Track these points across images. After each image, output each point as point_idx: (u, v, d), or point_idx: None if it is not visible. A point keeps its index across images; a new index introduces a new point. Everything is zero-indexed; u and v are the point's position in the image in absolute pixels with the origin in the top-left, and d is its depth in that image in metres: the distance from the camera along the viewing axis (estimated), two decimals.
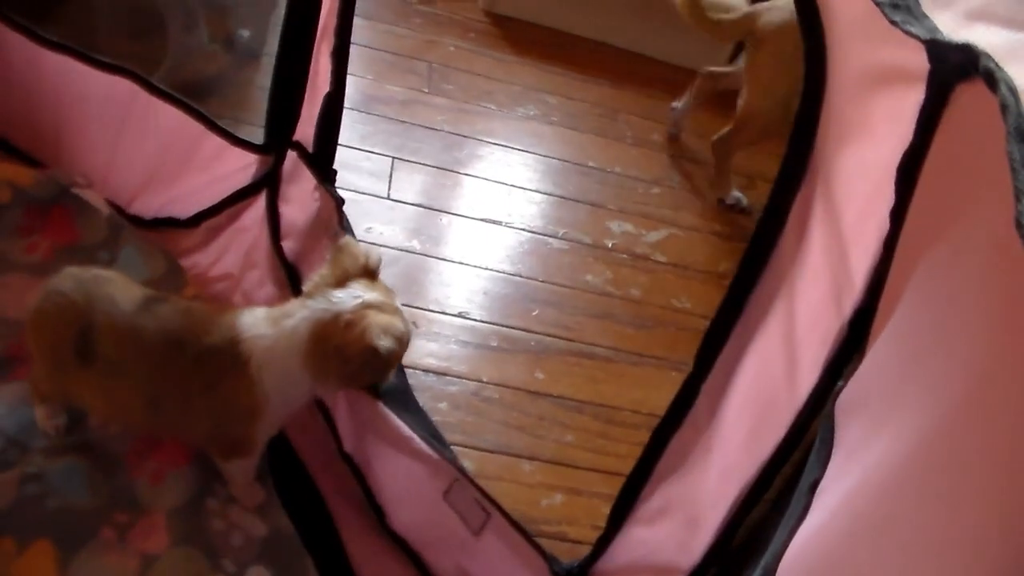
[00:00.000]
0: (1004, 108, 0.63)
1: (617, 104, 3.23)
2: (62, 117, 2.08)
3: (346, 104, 1.84)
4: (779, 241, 1.14)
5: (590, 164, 2.94)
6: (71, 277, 1.56)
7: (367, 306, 1.44)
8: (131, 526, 1.64)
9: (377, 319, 1.41)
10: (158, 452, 1.74)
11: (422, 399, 2.06)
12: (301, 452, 1.87)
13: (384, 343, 1.38)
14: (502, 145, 2.91)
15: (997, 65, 0.67)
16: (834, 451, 0.90)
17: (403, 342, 1.43)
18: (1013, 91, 0.64)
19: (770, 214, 1.14)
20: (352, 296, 1.45)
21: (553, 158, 2.92)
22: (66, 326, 1.53)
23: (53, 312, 1.54)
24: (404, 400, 1.81)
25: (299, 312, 1.48)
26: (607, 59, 3.41)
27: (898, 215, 0.87)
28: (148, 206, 2.08)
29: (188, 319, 1.54)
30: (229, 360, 1.49)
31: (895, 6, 0.80)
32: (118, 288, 1.57)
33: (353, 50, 1.77)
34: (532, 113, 3.07)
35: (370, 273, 1.51)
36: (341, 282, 1.48)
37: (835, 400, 0.95)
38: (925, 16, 0.79)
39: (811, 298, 1.07)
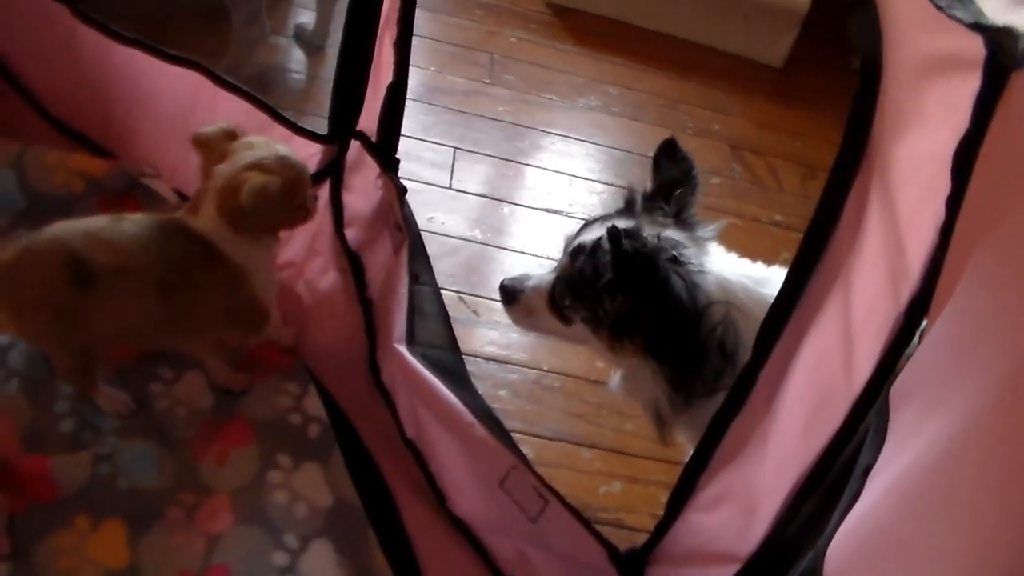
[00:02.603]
0: None
1: (678, 95, 3.22)
2: (132, 109, 2.13)
3: (408, 95, 1.86)
4: (836, 231, 1.14)
5: (650, 155, 2.93)
6: (25, 236, 1.62)
7: (245, 168, 1.63)
8: (197, 506, 1.69)
9: (252, 179, 1.61)
10: (223, 434, 1.80)
11: (483, 387, 2.08)
12: (366, 438, 1.90)
13: (247, 199, 1.60)
14: (563, 135, 2.92)
15: None
16: (888, 437, 0.90)
17: (269, 191, 1.62)
18: None
19: (827, 204, 1.14)
20: (232, 165, 1.64)
21: (614, 148, 2.93)
22: (52, 265, 1.57)
23: (29, 259, 1.58)
24: (463, 384, 1.83)
25: (207, 196, 1.67)
26: (668, 50, 3.40)
27: (954, 203, 0.86)
28: None
29: (161, 222, 1.67)
30: (204, 252, 1.66)
31: None
32: (79, 221, 1.64)
33: (415, 42, 1.79)
34: (593, 104, 3.08)
35: (233, 136, 1.69)
36: (222, 159, 1.66)
37: (890, 387, 0.95)
38: (971, 1, 0.79)
39: (868, 287, 1.07)
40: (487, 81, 3.03)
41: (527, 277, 1.74)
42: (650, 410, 1.66)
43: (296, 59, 2.88)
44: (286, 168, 1.67)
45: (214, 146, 1.67)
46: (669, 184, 1.67)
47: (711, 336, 1.51)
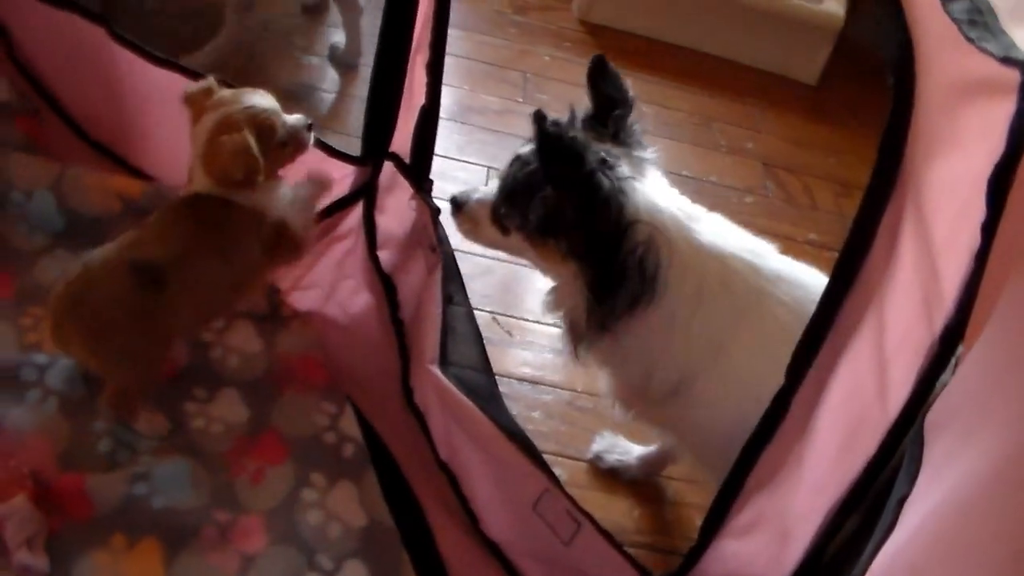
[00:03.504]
0: None
1: (712, 112, 3.21)
2: (168, 130, 2.14)
3: (442, 114, 1.87)
4: (869, 254, 1.13)
5: (684, 173, 2.93)
6: (71, 267, 1.69)
7: (218, 127, 1.69)
8: (232, 526, 1.70)
9: (225, 142, 1.67)
10: (258, 451, 1.81)
11: (516, 408, 2.08)
12: (399, 459, 1.91)
13: (230, 165, 1.66)
14: None
15: None
16: (922, 467, 0.89)
17: (246, 148, 1.66)
18: None
19: (860, 227, 1.13)
20: (203, 128, 1.71)
21: None
22: (119, 280, 1.64)
23: (94, 285, 1.64)
24: (496, 405, 1.83)
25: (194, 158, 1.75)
26: (702, 67, 3.39)
27: (989, 228, 0.85)
28: None
29: (173, 204, 1.77)
30: (221, 205, 1.73)
31: (972, 22, 0.80)
32: (110, 243, 1.70)
33: (449, 60, 1.80)
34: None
35: (211, 92, 1.74)
36: (198, 118, 1.73)
37: (925, 416, 0.94)
38: (1003, 32, 0.78)
39: (901, 312, 1.06)
40: (520, 100, 3.03)
41: (475, 190, 1.80)
42: (568, 321, 1.70)
43: (329, 78, 2.90)
44: (253, 116, 1.70)
45: (196, 103, 1.74)
46: (606, 104, 1.70)
47: (631, 256, 1.55)
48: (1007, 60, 0.76)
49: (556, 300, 1.73)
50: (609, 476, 2.07)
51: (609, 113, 1.68)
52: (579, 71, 3.15)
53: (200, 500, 1.71)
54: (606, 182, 1.53)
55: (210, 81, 1.76)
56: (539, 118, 1.53)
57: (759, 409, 1.53)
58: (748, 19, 3.37)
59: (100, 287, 1.64)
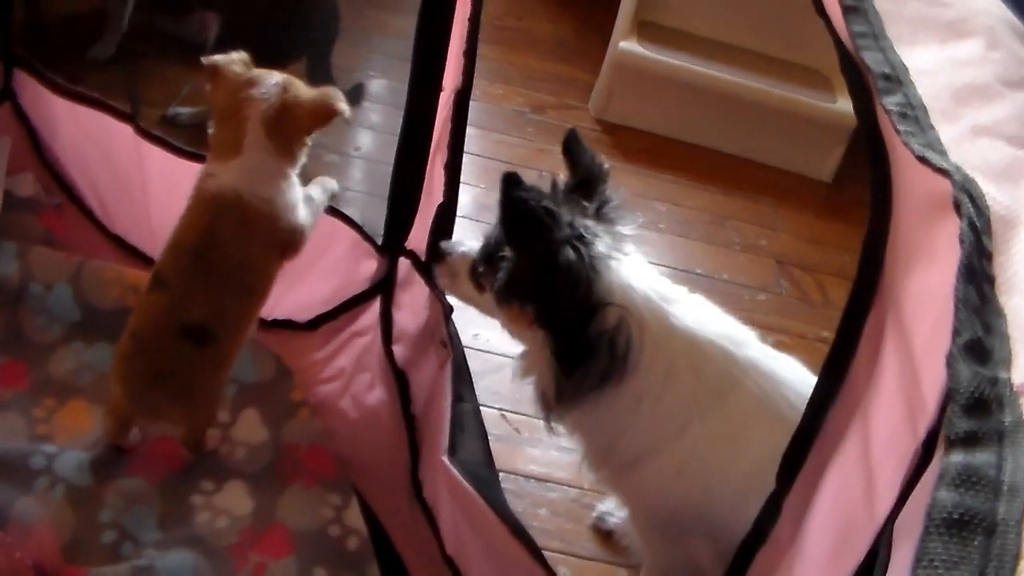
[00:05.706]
0: (960, 241, 0.64)
1: (726, 211, 3.24)
2: None
3: (458, 212, 1.92)
4: (853, 362, 1.15)
5: (697, 271, 2.95)
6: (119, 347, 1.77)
7: (286, 87, 1.73)
8: None
9: (309, 93, 1.74)
10: (262, 543, 1.82)
11: (522, 505, 2.08)
12: (403, 555, 1.90)
13: (342, 105, 1.73)
14: None
15: (971, 197, 0.68)
16: (888, 572, 0.89)
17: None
18: (973, 226, 0.65)
19: (843, 335, 1.15)
20: (272, 84, 1.72)
21: (661, 265, 2.94)
22: (171, 339, 1.71)
23: (146, 347, 1.72)
24: (500, 502, 1.83)
25: (250, 124, 1.72)
26: (716, 165, 3.43)
27: None
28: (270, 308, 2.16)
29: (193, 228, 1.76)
30: (239, 211, 1.73)
31: (903, 116, 0.82)
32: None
33: (466, 159, 1.85)
34: (640, 220, 3.09)
35: (248, 65, 1.76)
36: (244, 87, 1.72)
37: (894, 521, 0.94)
38: (931, 128, 0.81)
39: (886, 419, 1.07)
40: None
41: (461, 243, 1.81)
42: (539, 391, 1.70)
43: (352, 177, 2.95)
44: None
45: (224, 78, 1.73)
46: (586, 175, 1.70)
47: (601, 336, 1.55)
48: (923, 160, 0.79)
49: (525, 366, 1.73)
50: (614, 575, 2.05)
51: (589, 185, 1.69)
52: None
53: None
54: (574, 257, 1.54)
55: (243, 56, 1.77)
56: (508, 180, 1.54)
57: (707, 497, 1.58)
58: (762, 118, 3.42)
59: (160, 351, 1.71)
